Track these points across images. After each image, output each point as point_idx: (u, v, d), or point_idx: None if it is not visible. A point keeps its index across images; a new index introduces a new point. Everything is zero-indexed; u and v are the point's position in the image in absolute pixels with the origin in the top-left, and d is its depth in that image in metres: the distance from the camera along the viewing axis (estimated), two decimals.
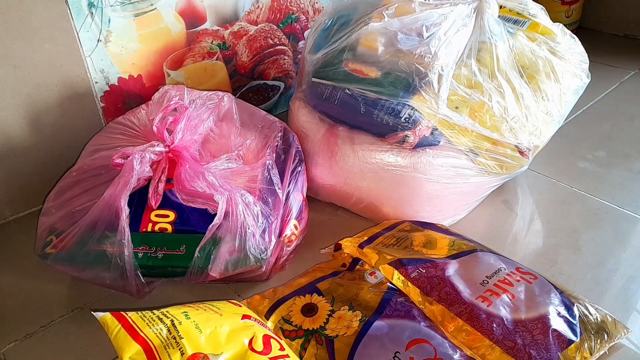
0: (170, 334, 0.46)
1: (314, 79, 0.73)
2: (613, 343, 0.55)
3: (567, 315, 0.54)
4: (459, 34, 0.68)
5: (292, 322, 0.56)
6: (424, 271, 0.59)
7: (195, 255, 0.60)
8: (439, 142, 0.68)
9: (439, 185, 0.70)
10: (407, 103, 0.66)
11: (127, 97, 0.83)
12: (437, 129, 0.67)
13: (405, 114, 0.66)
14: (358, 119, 0.70)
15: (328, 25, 0.76)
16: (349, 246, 0.66)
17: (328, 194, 0.78)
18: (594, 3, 1.35)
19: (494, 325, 0.53)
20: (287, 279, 0.64)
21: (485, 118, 0.68)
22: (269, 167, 0.65)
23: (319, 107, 0.74)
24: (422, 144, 0.68)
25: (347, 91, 0.70)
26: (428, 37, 0.67)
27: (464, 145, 0.69)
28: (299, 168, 0.70)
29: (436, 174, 0.69)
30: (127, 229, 0.58)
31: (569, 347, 0.52)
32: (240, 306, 0.55)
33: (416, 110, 0.66)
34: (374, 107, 0.68)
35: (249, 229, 0.60)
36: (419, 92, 0.66)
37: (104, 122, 0.82)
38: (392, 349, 0.51)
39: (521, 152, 0.73)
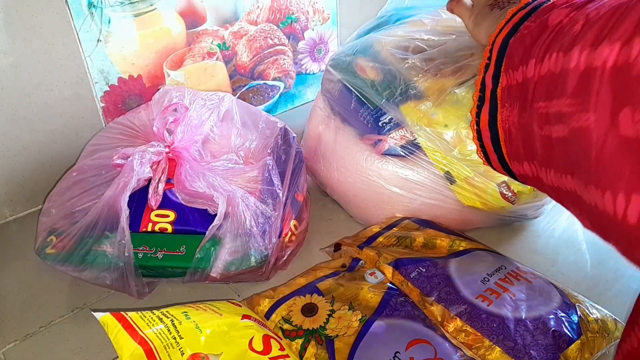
0: (170, 334, 0.46)
1: (328, 67, 0.76)
2: (613, 343, 0.55)
3: (568, 315, 0.54)
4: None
5: (292, 322, 0.56)
6: (424, 271, 0.59)
7: (196, 256, 0.60)
8: (407, 155, 0.67)
9: (403, 197, 0.69)
10: (387, 110, 0.67)
11: (127, 97, 0.83)
12: (414, 142, 0.66)
13: (385, 119, 0.67)
14: (347, 113, 0.72)
15: (375, 23, 0.77)
16: (348, 246, 0.66)
17: (311, 172, 0.80)
18: None
19: (494, 325, 0.53)
20: (287, 279, 0.64)
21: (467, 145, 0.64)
22: (270, 167, 0.65)
23: (325, 93, 0.77)
24: (390, 152, 0.68)
25: (346, 84, 0.71)
26: (424, 53, 0.67)
27: (441, 165, 0.66)
28: (299, 168, 0.70)
29: (401, 185, 0.69)
30: (127, 230, 0.58)
31: (570, 347, 0.52)
32: (240, 306, 0.55)
33: (397, 119, 0.67)
34: (362, 105, 0.70)
35: (249, 229, 0.60)
36: (406, 103, 0.66)
37: (104, 122, 0.82)
38: (392, 349, 0.51)
39: (503, 195, 0.66)
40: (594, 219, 0.34)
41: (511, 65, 0.41)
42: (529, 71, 0.38)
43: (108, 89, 0.80)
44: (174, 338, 0.46)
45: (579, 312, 0.55)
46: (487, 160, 0.47)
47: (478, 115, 0.45)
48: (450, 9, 0.61)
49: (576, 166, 0.34)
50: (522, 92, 0.39)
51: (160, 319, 0.47)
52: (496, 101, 0.43)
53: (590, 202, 0.33)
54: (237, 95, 0.94)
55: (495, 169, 0.48)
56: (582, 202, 0.34)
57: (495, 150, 0.45)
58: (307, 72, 1.04)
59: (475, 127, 0.46)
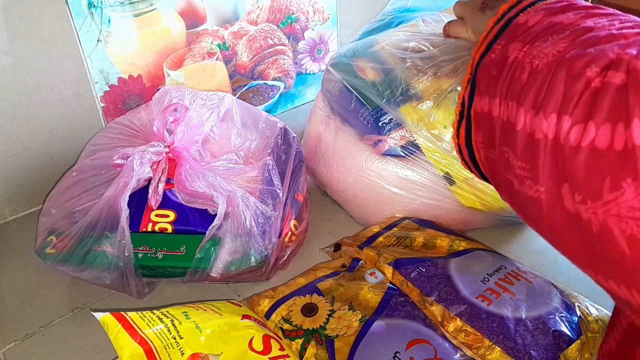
0: (170, 334, 0.46)
1: (328, 67, 0.76)
2: None
3: (568, 315, 0.54)
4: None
5: (292, 322, 0.56)
6: (424, 271, 0.59)
7: (196, 256, 0.60)
8: (407, 155, 0.67)
9: (403, 198, 0.69)
10: (387, 110, 0.67)
11: (127, 97, 0.83)
12: (414, 142, 0.66)
13: (385, 119, 0.67)
14: (347, 113, 0.72)
15: (376, 25, 0.77)
16: (348, 246, 0.66)
17: (311, 172, 0.80)
18: None
19: (494, 325, 0.53)
20: (287, 279, 0.64)
21: None
22: (270, 167, 0.65)
23: (325, 93, 0.77)
24: (390, 153, 0.68)
25: (346, 84, 0.71)
26: (423, 53, 0.67)
27: (441, 166, 0.66)
28: (300, 168, 0.70)
29: (401, 185, 0.68)
30: (127, 230, 0.58)
31: (570, 347, 0.52)
32: (240, 306, 0.55)
33: (397, 119, 0.67)
34: (362, 105, 0.69)
35: (249, 229, 0.60)
36: (406, 103, 0.66)
37: (104, 122, 0.82)
38: (392, 349, 0.51)
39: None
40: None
41: (479, 91, 0.41)
42: (495, 109, 0.38)
43: (108, 89, 0.80)
44: (174, 338, 0.46)
45: (578, 312, 0.55)
46: (472, 172, 0.47)
47: (458, 129, 0.45)
48: (447, 34, 0.61)
49: (534, 225, 0.36)
50: (490, 127, 0.39)
51: (160, 319, 0.47)
52: (470, 121, 0.43)
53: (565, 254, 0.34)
54: (237, 95, 0.94)
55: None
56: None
57: (475, 166, 0.45)
58: (307, 72, 1.04)
59: (456, 141, 0.46)
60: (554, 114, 0.31)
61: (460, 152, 0.46)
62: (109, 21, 0.76)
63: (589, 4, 0.37)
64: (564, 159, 0.30)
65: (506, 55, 0.38)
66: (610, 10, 0.36)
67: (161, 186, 0.64)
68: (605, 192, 0.27)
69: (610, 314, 0.56)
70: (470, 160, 0.45)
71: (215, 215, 0.60)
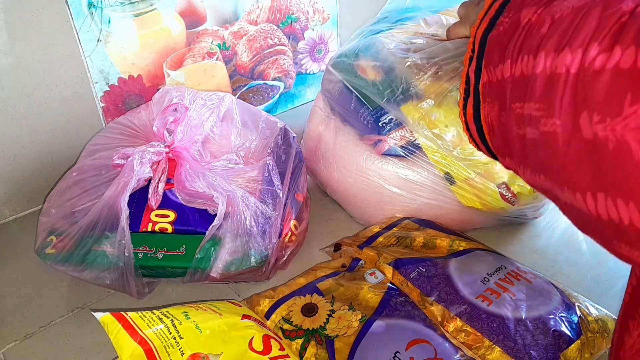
0: (170, 334, 0.46)
1: (329, 67, 0.76)
2: None
3: (568, 315, 0.54)
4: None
5: (292, 322, 0.56)
6: (424, 271, 0.59)
7: (196, 256, 0.60)
8: (407, 155, 0.67)
9: (403, 198, 0.69)
10: (387, 110, 0.67)
11: (127, 97, 0.83)
12: (414, 142, 0.66)
13: (385, 119, 0.67)
14: (347, 113, 0.72)
15: (375, 24, 0.78)
16: (348, 246, 0.66)
17: (311, 172, 0.80)
18: None
19: (494, 325, 0.53)
20: (287, 279, 0.64)
21: (467, 149, 0.64)
22: (270, 167, 0.65)
23: (325, 93, 0.77)
24: (390, 153, 0.68)
25: (346, 84, 0.71)
26: (424, 52, 0.67)
27: (441, 166, 0.66)
28: (300, 168, 0.70)
29: (401, 185, 0.68)
30: (127, 230, 0.58)
31: (570, 347, 0.52)
32: (240, 306, 0.55)
33: (397, 118, 0.67)
34: (362, 105, 0.70)
35: (249, 229, 0.60)
36: (406, 102, 0.66)
37: (104, 122, 0.82)
38: (392, 349, 0.51)
39: (502, 196, 0.66)
40: (573, 215, 0.35)
41: (491, 62, 0.42)
42: (506, 71, 0.39)
43: (108, 89, 0.80)
44: (174, 338, 0.46)
45: (578, 312, 0.55)
46: (479, 150, 0.48)
47: (465, 107, 0.46)
48: (449, 37, 0.62)
49: (547, 167, 0.35)
50: (501, 91, 0.40)
51: (160, 319, 0.47)
52: (479, 96, 0.43)
53: (565, 200, 0.34)
54: (237, 95, 0.94)
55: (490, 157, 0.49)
56: (558, 199, 0.36)
57: (482, 142, 0.46)
58: (307, 72, 1.04)
59: (463, 119, 0.46)
60: (581, 48, 0.31)
61: (468, 129, 0.47)
62: (109, 21, 0.76)
63: None
64: (584, 86, 0.30)
65: (517, 22, 0.39)
66: None
67: (161, 186, 0.64)
68: (626, 107, 0.28)
69: (611, 314, 0.56)
70: (479, 137, 0.45)
71: (215, 215, 0.60)
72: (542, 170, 0.36)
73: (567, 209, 0.35)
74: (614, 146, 0.29)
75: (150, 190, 0.64)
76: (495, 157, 0.46)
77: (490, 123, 0.43)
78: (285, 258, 0.66)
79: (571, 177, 0.33)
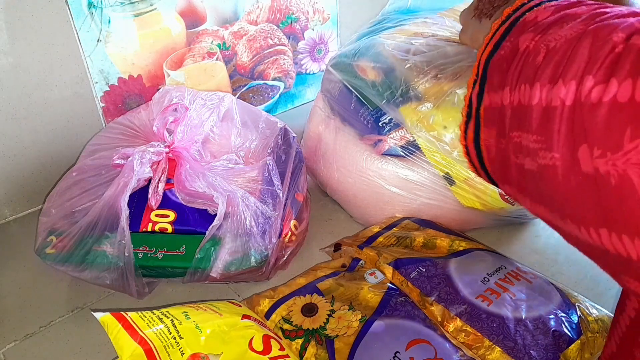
0: (170, 334, 0.46)
1: (329, 67, 0.76)
2: None
3: (568, 315, 0.54)
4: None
5: (292, 322, 0.56)
6: (424, 271, 0.59)
7: (196, 256, 0.60)
8: (407, 155, 0.67)
9: (403, 198, 0.69)
10: (387, 111, 0.67)
11: (127, 97, 0.83)
12: (414, 142, 0.66)
13: (385, 119, 0.67)
14: (347, 114, 0.72)
15: (376, 25, 0.77)
16: (348, 246, 0.66)
17: (311, 172, 0.80)
18: None
19: (494, 325, 0.53)
20: (287, 279, 0.64)
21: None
22: (270, 167, 0.65)
23: (325, 93, 0.77)
24: (390, 153, 0.68)
25: (346, 84, 0.71)
26: (424, 54, 0.67)
27: (441, 167, 0.66)
28: (300, 168, 0.70)
29: (401, 185, 0.68)
30: (127, 230, 0.58)
31: (570, 347, 0.52)
32: (240, 306, 0.55)
33: (396, 119, 0.67)
34: (362, 106, 0.70)
35: (249, 229, 0.60)
36: (405, 104, 0.66)
37: (104, 122, 0.82)
38: (392, 349, 0.51)
39: (502, 196, 0.66)
40: (578, 245, 0.35)
41: (492, 86, 0.41)
42: (505, 98, 0.39)
43: (108, 89, 0.80)
44: (174, 338, 0.46)
45: (578, 312, 0.55)
46: (479, 176, 0.48)
47: (465, 131, 0.45)
48: (461, 42, 0.61)
49: (547, 200, 0.35)
50: (501, 117, 0.40)
51: (160, 319, 0.47)
52: (479, 120, 0.43)
53: (569, 232, 0.34)
54: (237, 95, 0.94)
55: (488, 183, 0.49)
56: (561, 230, 0.36)
57: (482, 167, 0.46)
58: (307, 72, 1.04)
59: (463, 142, 0.46)
60: (574, 81, 0.31)
61: (467, 154, 0.46)
62: (109, 21, 0.76)
63: (598, 1, 0.38)
64: (582, 119, 0.30)
65: (516, 47, 0.39)
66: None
67: (161, 186, 0.64)
68: (626, 142, 0.28)
69: (611, 315, 0.57)
70: (478, 162, 0.45)
71: (215, 215, 0.60)
72: (542, 201, 0.36)
73: (572, 241, 0.35)
74: (616, 182, 0.28)
75: (150, 190, 0.64)
76: (495, 184, 0.46)
77: (489, 148, 0.43)
78: (285, 258, 0.66)
79: (574, 211, 0.32)
